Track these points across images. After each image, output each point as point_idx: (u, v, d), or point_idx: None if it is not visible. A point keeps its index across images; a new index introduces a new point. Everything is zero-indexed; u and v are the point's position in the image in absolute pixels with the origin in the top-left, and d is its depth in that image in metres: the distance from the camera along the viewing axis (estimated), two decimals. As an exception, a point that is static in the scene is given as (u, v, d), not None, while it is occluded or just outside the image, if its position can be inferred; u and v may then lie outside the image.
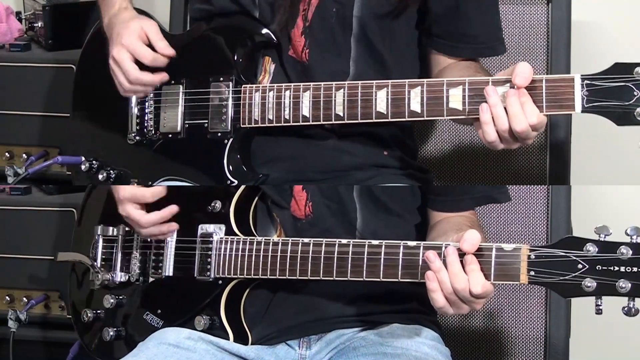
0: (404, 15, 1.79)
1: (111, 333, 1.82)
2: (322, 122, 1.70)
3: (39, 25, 2.46)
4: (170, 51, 1.80)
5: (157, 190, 1.76)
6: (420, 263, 1.55)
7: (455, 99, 1.60)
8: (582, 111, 1.54)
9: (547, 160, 2.11)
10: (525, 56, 2.11)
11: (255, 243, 1.69)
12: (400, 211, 1.78)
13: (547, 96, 1.54)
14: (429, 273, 1.52)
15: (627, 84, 1.51)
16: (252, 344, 1.72)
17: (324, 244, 1.62)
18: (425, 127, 2.16)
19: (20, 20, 2.57)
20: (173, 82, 1.82)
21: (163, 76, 1.81)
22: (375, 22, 1.76)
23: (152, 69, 1.80)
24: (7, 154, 2.47)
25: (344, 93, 1.68)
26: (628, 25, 2.35)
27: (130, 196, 1.76)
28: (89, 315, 1.87)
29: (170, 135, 1.82)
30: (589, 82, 1.53)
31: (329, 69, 1.75)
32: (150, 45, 1.80)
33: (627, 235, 1.43)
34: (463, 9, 1.78)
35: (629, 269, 1.42)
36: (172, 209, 1.76)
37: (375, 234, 1.70)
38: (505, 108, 1.55)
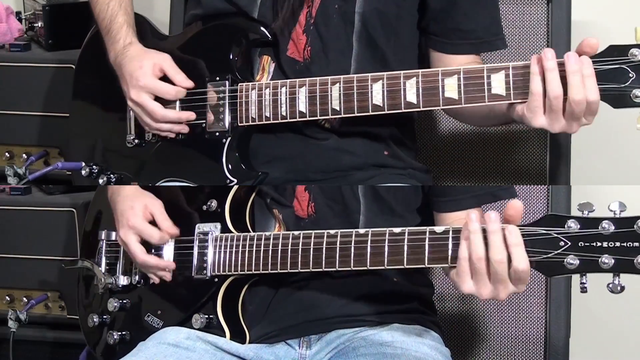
0: (406, 14, 1.79)
1: (115, 337, 1.83)
2: (319, 117, 1.70)
3: (39, 25, 2.46)
4: (189, 83, 1.78)
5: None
6: (406, 249, 1.54)
7: (451, 88, 1.60)
8: None
9: (547, 160, 2.11)
10: (526, 56, 2.11)
11: (248, 239, 1.69)
12: (402, 212, 1.78)
13: None
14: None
15: (622, 66, 1.50)
16: (251, 342, 1.72)
17: (313, 236, 1.62)
18: (425, 127, 2.16)
19: (20, 20, 2.57)
20: None
21: (189, 114, 1.79)
22: (378, 18, 1.76)
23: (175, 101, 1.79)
24: (7, 154, 2.47)
25: (339, 87, 1.67)
26: (628, 25, 2.34)
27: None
28: (95, 320, 1.88)
29: (169, 137, 1.82)
30: None
31: (330, 67, 1.75)
32: (166, 78, 1.79)
33: (610, 210, 1.40)
34: (460, 5, 1.78)
35: (611, 244, 1.39)
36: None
37: None
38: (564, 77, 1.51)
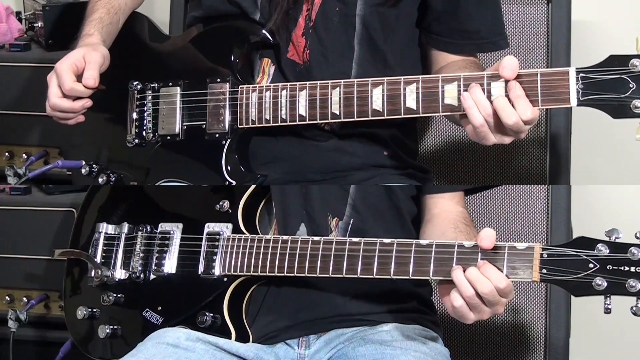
0: (405, 14, 1.79)
1: (107, 330, 1.82)
2: (318, 121, 1.70)
3: (39, 25, 2.46)
4: (93, 83, 1.74)
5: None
6: (412, 260, 1.56)
7: (451, 94, 1.60)
8: (578, 104, 1.53)
9: (547, 160, 2.11)
10: (526, 56, 2.12)
11: (263, 241, 1.69)
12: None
13: (543, 90, 1.54)
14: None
15: (622, 76, 1.50)
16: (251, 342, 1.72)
17: (322, 242, 1.63)
18: (425, 127, 2.16)
19: (20, 20, 2.56)
20: (171, 83, 1.83)
21: (85, 102, 1.77)
22: (379, 20, 1.76)
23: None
24: (7, 154, 2.47)
25: (339, 91, 1.67)
26: (628, 25, 2.35)
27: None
28: (84, 312, 1.86)
29: (168, 137, 1.82)
30: (584, 75, 1.52)
31: (330, 70, 1.75)
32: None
33: (638, 238, 1.45)
34: (463, 5, 1.78)
35: (639, 269, 1.44)
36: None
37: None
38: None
